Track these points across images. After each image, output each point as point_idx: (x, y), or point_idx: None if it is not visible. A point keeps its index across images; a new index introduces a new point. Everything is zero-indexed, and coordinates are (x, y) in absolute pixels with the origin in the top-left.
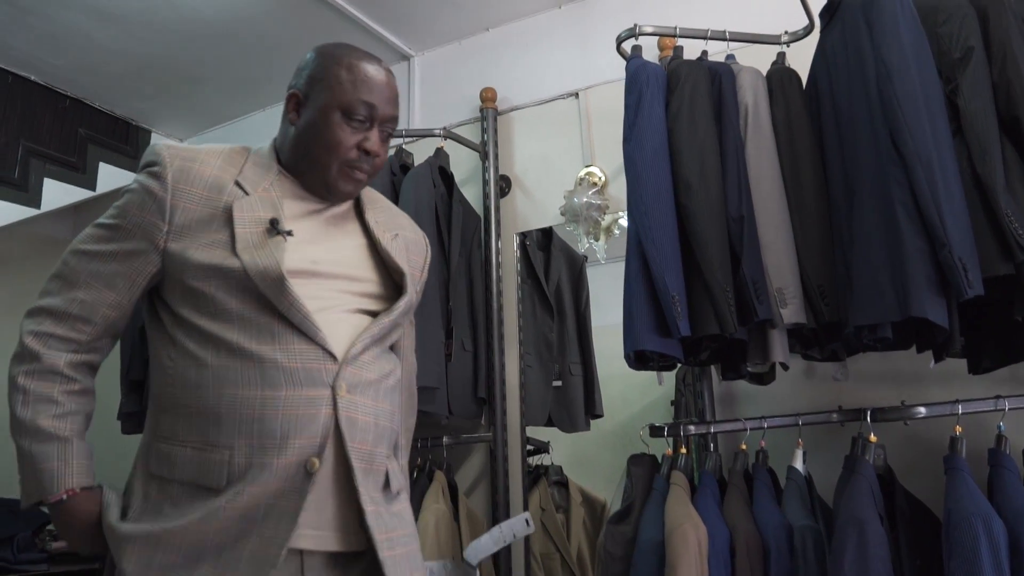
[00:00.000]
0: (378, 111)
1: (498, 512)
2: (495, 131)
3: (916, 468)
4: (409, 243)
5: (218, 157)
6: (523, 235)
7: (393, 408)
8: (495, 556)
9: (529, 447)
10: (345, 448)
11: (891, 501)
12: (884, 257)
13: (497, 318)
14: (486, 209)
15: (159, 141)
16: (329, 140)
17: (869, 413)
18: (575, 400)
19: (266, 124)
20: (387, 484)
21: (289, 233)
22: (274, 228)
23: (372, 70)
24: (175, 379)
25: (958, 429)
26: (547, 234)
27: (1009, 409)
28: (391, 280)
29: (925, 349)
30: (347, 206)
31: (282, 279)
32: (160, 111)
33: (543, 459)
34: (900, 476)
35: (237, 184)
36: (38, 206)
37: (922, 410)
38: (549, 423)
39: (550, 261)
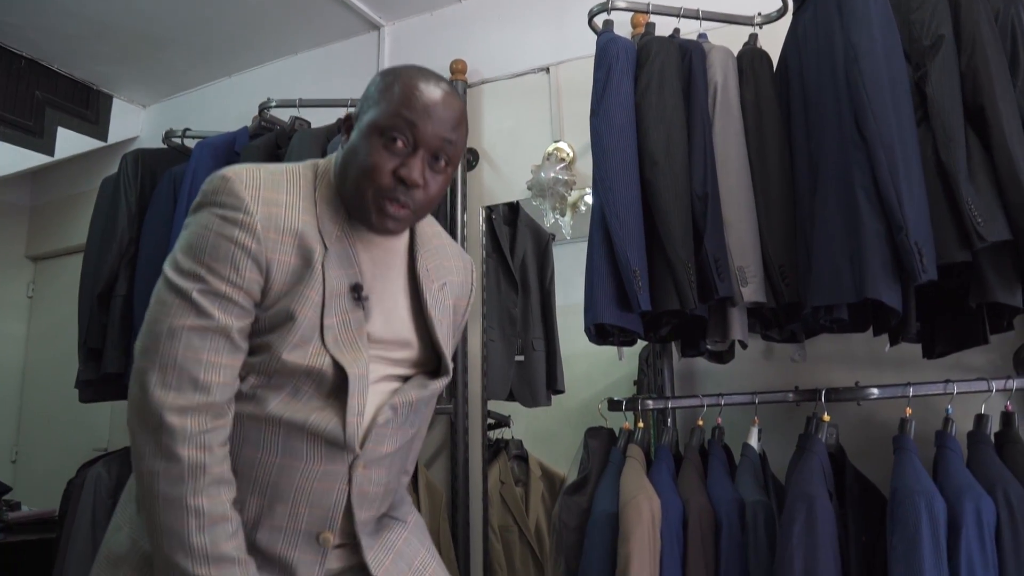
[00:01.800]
0: (421, 131)
1: (457, 484)
2: (464, 103)
3: (867, 448)
4: (455, 288)
5: (297, 195)
6: (489, 209)
7: (404, 461)
8: (452, 528)
9: (490, 420)
10: (353, 521)
11: (841, 479)
12: (843, 239)
13: None
14: (452, 181)
15: (228, 169)
16: (364, 163)
17: (824, 393)
18: (537, 375)
19: (231, 92)
20: (396, 519)
21: (366, 299)
22: (356, 294)
23: (425, 87)
24: None
25: (908, 411)
26: (514, 209)
27: (957, 393)
28: (432, 345)
29: (881, 332)
30: (402, 246)
31: (366, 382)
32: (122, 75)
33: (503, 433)
34: (851, 456)
35: (319, 233)
36: None
37: (875, 391)
38: (510, 397)
39: (516, 236)
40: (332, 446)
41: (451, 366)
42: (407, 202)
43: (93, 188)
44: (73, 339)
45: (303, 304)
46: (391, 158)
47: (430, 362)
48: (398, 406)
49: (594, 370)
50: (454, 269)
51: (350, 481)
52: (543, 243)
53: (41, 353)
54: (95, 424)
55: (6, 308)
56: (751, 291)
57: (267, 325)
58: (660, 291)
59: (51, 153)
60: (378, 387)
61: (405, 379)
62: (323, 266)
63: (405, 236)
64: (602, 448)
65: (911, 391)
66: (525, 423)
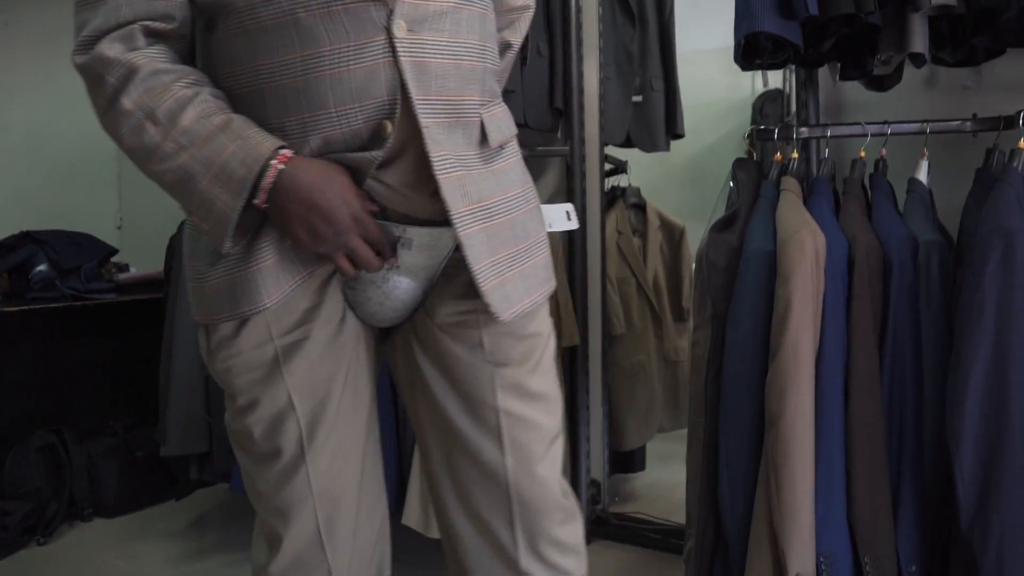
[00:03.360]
0: None
1: (574, 232)
2: None
3: None
4: None
5: None
6: None
7: (484, 40)
8: (570, 279)
9: (607, 166)
10: (411, 104)
11: None
12: None
13: (575, 22)
14: None
15: None
16: None
17: (1020, 117)
18: (655, 117)
19: None
20: (484, 138)
21: None
22: None
23: None
24: (211, 62)
25: None
26: None
27: None
28: None
29: None
30: None
31: None
32: None
33: (620, 180)
34: None
35: None
36: None
37: None
38: (627, 143)
39: None
40: (353, 2)
41: None
42: None
43: None
44: None
45: None
46: None
47: None
48: None
49: (701, 124)
50: None
51: (394, 51)
52: None
53: None
54: None
55: None
56: None
57: None
58: None
59: None
60: None
61: None
62: None
63: None
64: (751, 181)
65: None
66: (633, 178)
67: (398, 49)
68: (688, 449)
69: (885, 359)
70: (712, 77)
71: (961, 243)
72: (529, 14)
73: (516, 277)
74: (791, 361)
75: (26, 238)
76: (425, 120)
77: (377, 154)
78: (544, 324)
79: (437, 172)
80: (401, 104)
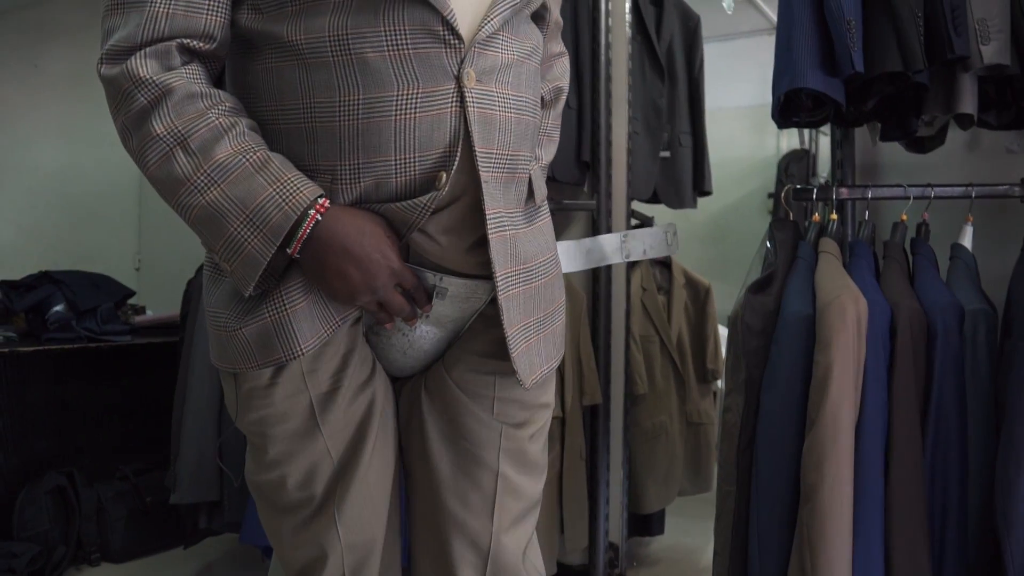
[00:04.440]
0: None
1: (599, 288)
2: None
3: None
4: None
5: None
6: None
7: (536, 96)
8: (593, 336)
9: (633, 221)
10: (474, 157)
11: None
12: None
13: (605, 74)
14: None
15: None
16: None
17: None
18: (683, 173)
19: None
20: (531, 194)
21: None
22: None
23: None
24: (253, 91)
25: None
26: None
27: None
28: None
29: None
30: None
31: None
32: None
33: None
34: None
35: None
36: None
37: None
38: (653, 199)
39: (662, 17)
40: (425, 47)
41: None
42: None
43: None
44: None
45: None
46: None
47: None
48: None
49: (724, 181)
50: None
51: (463, 100)
52: (692, 27)
53: None
54: None
55: None
56: (992, 51)
57: None
58: (878, 49)
59: None
60: None
61: None
62: None
63: None
64: (789, 242)
65: None
66: None
67: (467, 99)
68: (716, 520)
69: (928, 432)
70: (736, 135)
71: (1009, 313)
72: (566, 60)
73: (540, 341)
74: (830, 431)
75: (44, 278)
76: (485, 174)
77: (428, 205)
78: (551, 395)
79: (490, 231)
80: (461, 156)
